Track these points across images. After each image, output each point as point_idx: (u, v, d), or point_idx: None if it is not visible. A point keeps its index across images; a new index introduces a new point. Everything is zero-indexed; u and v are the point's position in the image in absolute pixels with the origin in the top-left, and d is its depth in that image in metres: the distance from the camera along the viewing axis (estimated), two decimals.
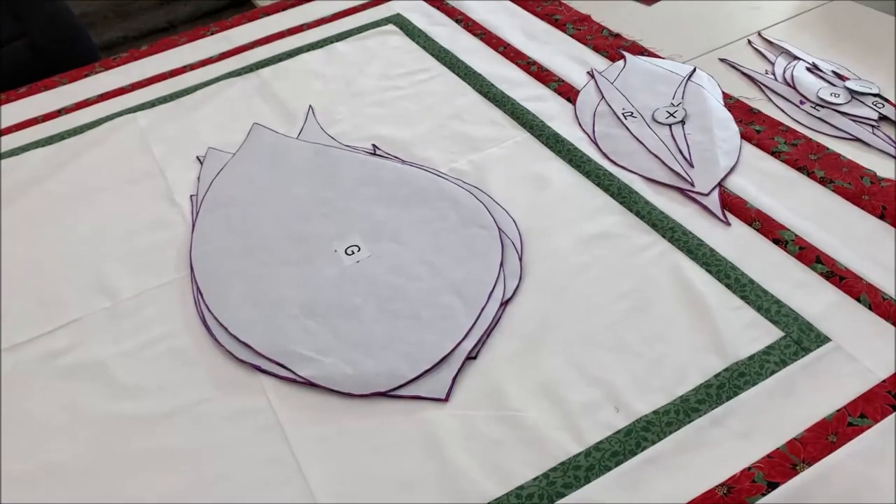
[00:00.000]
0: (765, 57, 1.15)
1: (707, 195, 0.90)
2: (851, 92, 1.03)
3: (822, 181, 0.90)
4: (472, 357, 0.76)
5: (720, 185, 0.91)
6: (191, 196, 0.99)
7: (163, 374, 0.78)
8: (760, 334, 0.74)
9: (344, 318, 0.80)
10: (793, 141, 0.96)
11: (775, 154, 0.95)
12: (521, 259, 0.85)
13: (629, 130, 1.01)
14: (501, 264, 0.84)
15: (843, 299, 0.77)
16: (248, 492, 0.67)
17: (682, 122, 1.00)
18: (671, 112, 1.02)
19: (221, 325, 0.80)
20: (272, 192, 0.97)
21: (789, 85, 1.07)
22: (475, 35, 1.26)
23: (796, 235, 0.83)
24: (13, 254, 0.94)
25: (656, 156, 0.96)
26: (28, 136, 1.15)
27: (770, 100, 1.05)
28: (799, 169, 0.92)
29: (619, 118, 1.03)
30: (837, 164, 0.92)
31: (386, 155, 1.03)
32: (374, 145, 1.05)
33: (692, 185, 0.91)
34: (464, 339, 0.77)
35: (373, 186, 0.96)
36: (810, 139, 0.96)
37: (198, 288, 0.85)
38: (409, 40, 1.27)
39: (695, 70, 1.09)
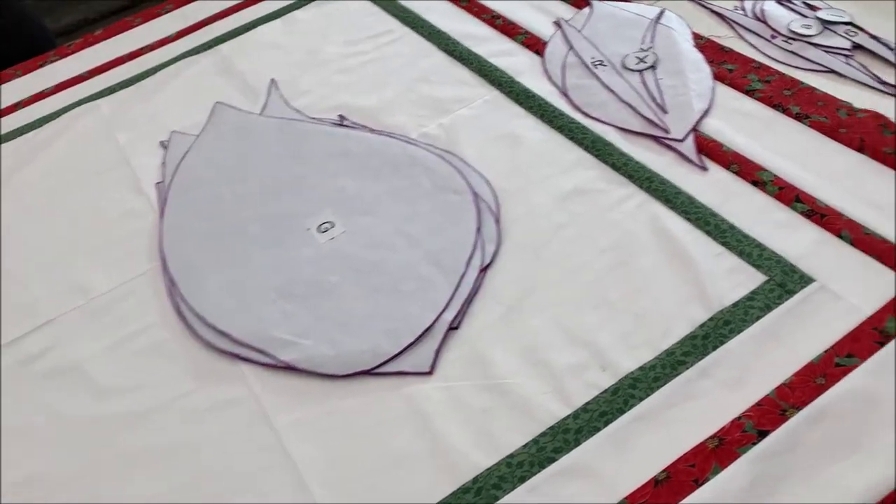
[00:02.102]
0: None
1: (682, 141, 0.88)
2: (823, 22, 1.01)
3: (798, 117, 0.88)
4: (454, 327, 0.75)
5: (695, 129, 0.89)
6: (156, 184, 0.96)
7: (143, 371, 0.76)
8: (744, 279, 0.73)
9: (323, 297, 0.79)
10: (766, 77, 0.94)
11: (749, 93, 0.93)
12: (498, 222, 0.84)
13: (600, 80, 0.98)
14: (478, 229, 0.82)
15: (824, 237, 0.76)
16: (239, 484, 0.66)
17: (653, 66, 0.98)
18: (641, 57, 0.99)
19: (197, 314, 0.78)
20: (239, 172, 0.95)
21: (760, 20, 1.04)
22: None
23: (775, 175, 0.82)
24: None
25: (629, 104, 0.94)
26: None
27: (741, 37, 1.03)
28: (774, 106, 0.90)
29: (589, 68, 1.00)
30: (812, 98, 0.90)
31: (353, 125, 1.00)
32: (340, 116, 1.02)
33: (667, 131, 0.89)
34: (444, 309, 0.76)
35: (342, 159, 0.94)
36: (784, 74, 0.94)
37: (171, 279, 0.83)
38: (370, 2, 1.24)
39: (663, 12, 1.07)
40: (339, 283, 0.80)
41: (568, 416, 0.66)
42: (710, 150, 0.86)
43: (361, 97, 1.05)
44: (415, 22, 1.16)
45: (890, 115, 0.86)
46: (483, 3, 1.17)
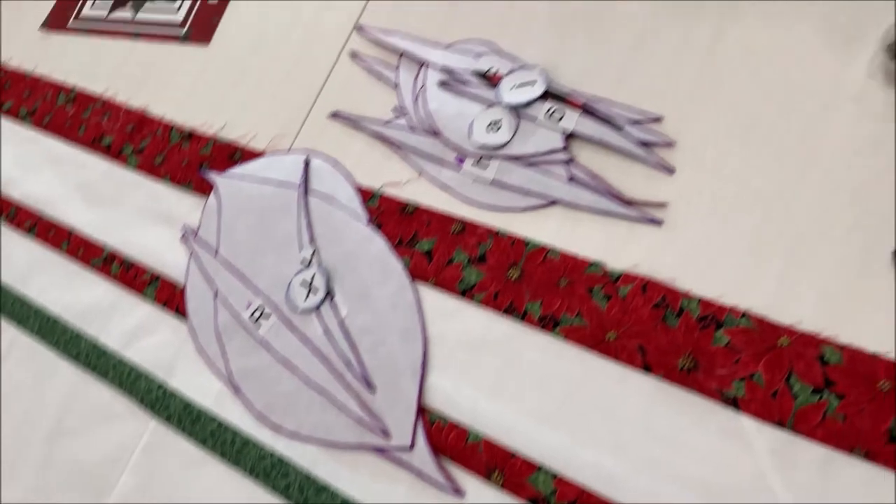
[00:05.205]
0: (382, 73, 0.76)
1: (411, 449, 0.58)
2: (515, 109, 0.66)
3: (514, 315, 0.58)
4: None
5: (420, 411, 0.59)
6: None
7: None
8: None
9: None
10: (479, 250, 0.62)
11: (466, 294, 0.62)
12: None
13: (272, 352, 0.66)
14: None
15: None
16: None
17: (330, 294, 0.65)
18: (308, 282, 0.66)
19: None
20: None
21: (432, 131, 0.69)
22: (26, 230, 0.85)
23: (555, 476, 0.54)
24: None
25: (323, 390, 0.62)
26: None
27: (422, 173, 0.69)
28: (508, 311, 0.60)
29: (250, 333, 0.67)
30: (545, 274, 0.59)
31: None
32: None
33: (387, 434, 0.59)
34: None
35: None
36: (499, 234, 0.63)
37: None
38: None
39: (307, 166, 0.72)
40: None
41: None
42: (454, 450, 0.57)
43: None
44: (17, 311, 0.80)
45: (652, 259, 0.57)
46: (85, 236, 0.81)
